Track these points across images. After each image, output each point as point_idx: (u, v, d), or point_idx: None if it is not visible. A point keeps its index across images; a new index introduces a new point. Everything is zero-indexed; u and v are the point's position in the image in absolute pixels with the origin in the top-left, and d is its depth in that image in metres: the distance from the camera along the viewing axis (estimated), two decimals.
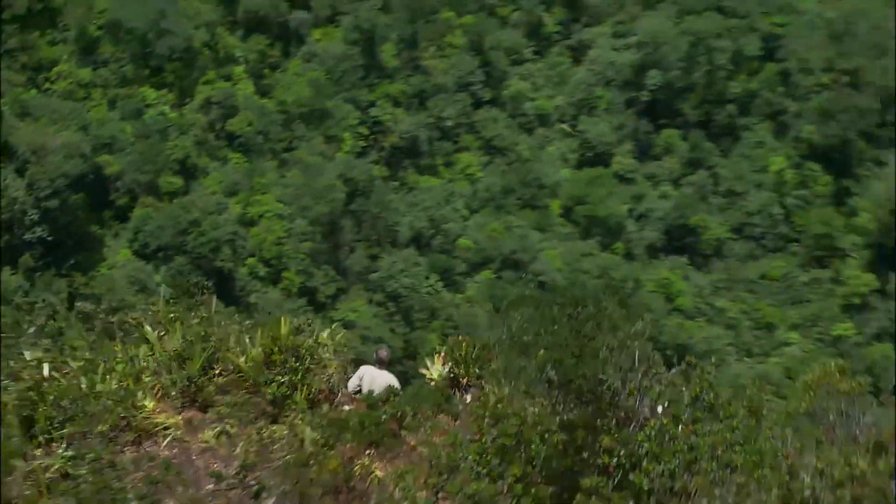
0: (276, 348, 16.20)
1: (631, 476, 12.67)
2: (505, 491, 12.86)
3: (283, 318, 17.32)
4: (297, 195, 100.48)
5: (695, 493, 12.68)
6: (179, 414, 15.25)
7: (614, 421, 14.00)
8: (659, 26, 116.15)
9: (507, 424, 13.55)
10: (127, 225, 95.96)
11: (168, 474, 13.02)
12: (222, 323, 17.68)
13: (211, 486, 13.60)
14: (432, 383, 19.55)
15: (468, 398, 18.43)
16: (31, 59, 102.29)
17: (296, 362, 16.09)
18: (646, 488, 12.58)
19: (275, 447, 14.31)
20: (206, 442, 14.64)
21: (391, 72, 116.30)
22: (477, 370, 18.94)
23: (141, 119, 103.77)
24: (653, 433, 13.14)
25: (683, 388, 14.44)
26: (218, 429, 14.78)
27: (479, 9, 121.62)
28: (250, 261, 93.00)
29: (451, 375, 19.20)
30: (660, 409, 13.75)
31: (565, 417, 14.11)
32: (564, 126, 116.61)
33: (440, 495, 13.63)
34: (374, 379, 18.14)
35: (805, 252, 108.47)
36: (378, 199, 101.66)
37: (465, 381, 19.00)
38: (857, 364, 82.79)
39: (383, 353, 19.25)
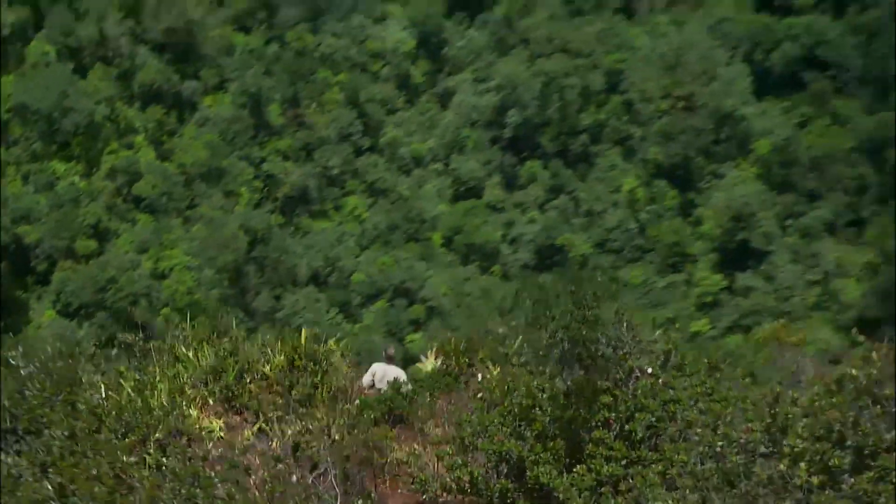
0: (298, 355, 18.17)
1: (627, 426, 14.31)
2: (527, 449, 14.39)
3: (302, 330, 19.76)
4: (202, 247, 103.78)
5: (682, 433, 14.22)
6: (220, 418, 17.12)
7: (611, 381, 15.44)
8: (514, 70, 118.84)
9: (526, 388, 15.14)
10: (49, 288, 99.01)
11: (232, 463, 14.54)
12: (245, 340, 19.40)
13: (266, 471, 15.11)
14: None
15: (479, 377, 19.50)
16: None
17: (315, 365, 18.11)
18: (640, 436, 14.30)
19: (306, 436, 15.91)
20: (248, 439, 16.38)
21: (278, 129, 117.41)
22: (467, 360, 20.51)
23: (53, 190, 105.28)
24: (641, 389, 14.83)
25: (659, 352, 16.22)
26: (256, 426, 16.74)
27: (353, 66, 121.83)
28: (165, 310, 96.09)
29: (445, 367, 20.64)
30: (649, 370, 15.34)
31: (570, 381, 15.68)
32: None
33: (470, 456, 15.22)
34: (386, 373, 20.09)
35: (660, 260, 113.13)
36: (277, 244, 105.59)
37: (456, 369, 20.40)
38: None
39: (391, 350, 21.76)
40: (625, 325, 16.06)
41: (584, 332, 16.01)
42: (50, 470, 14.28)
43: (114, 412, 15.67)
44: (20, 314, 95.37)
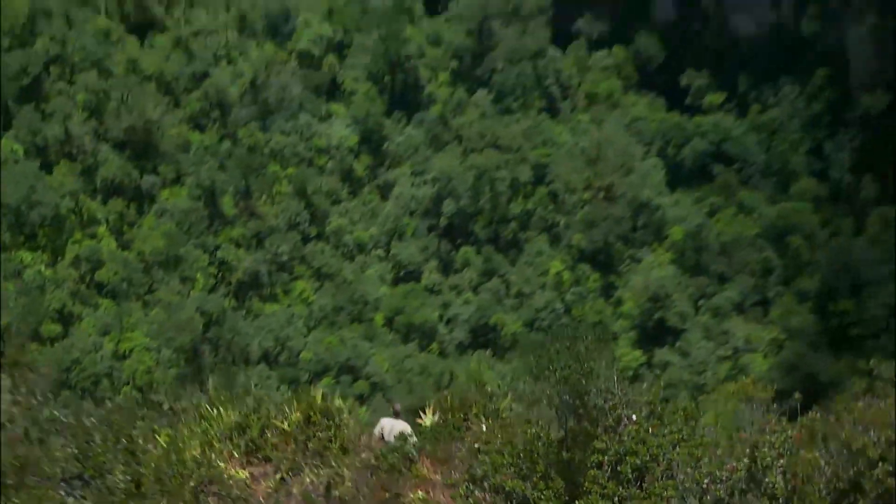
0: (313, 411, 19.01)
1: (619, 468, 14.94)
2: (531, 488, 15.15)
3: (318, 390, 20.80)
4: (161, 330, 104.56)
5: (665, 473, 15.05)
6: (246, 469, 18.03)
7: (602, 428, 16.15)
8: (448, 164, 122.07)
9: (529, 434, 16.07)
10: None
11: None
12: (263, 399, 20.40)
13: None
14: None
15: (484, 427, 20.36)
16: None
17: (328, 421, 18.94)
18: (630, 476, 14.94)
19: (326, 482, 17.15)
20: (270, 487, 17.49)
21: (232, 219, 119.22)
22: (462, 415, 21.35)
23: (21, 278, 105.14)
24: (629, 435, 15.47)
25: (641, 403, 16.55)
26: (279, 475, 17.67)
27: (300, 161, 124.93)
28: (125, 389, 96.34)
29: (442, 421, 21.43)
30: (633, 417, 15.82)
31: (566, 428, 16.54)
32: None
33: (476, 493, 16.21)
34: (393, 427, 20.75)
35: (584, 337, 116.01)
36: (230, 326, 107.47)
37: (453, 423, 21.15)
38: None
39: (397, 406, 22.50)
40: (614, 378, 16.93)
41: (582, 384, 16.70)
42: None
43: (152, 463, 16.60)
44: None
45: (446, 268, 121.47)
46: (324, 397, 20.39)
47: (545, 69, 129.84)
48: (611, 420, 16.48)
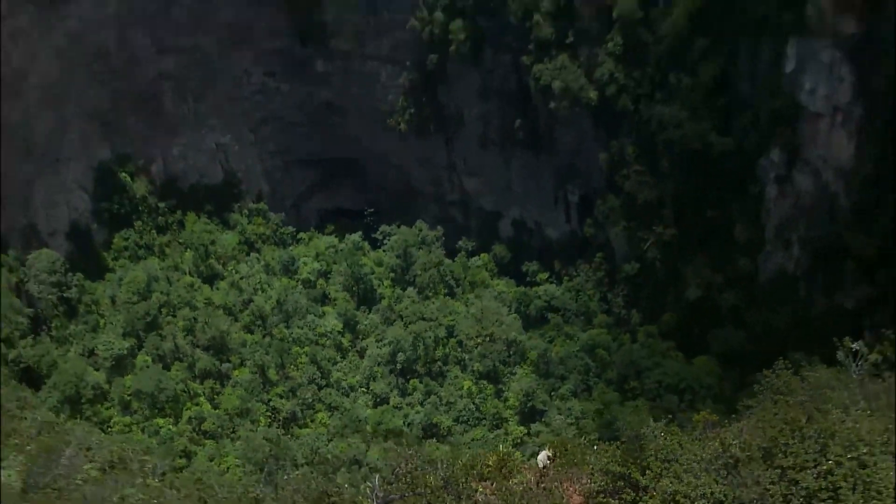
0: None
1: None
2: None
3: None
4: (244, 453, 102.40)
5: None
6: None
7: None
8: (397, 333, 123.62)
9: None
10: None
11: None
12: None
13: None
14: None
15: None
16: None
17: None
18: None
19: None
20: None
21: (276, 382, 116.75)
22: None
23: (158, 434, 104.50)
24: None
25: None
26: None
27: (310, 342, 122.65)
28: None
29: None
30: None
31: None
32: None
33: None
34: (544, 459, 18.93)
35: (489, 423, 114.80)
36: (284, 445, 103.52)
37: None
38: None
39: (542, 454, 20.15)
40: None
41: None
42: None
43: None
44: None
45: (403, 393, 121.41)
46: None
47: (444, 272, 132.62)
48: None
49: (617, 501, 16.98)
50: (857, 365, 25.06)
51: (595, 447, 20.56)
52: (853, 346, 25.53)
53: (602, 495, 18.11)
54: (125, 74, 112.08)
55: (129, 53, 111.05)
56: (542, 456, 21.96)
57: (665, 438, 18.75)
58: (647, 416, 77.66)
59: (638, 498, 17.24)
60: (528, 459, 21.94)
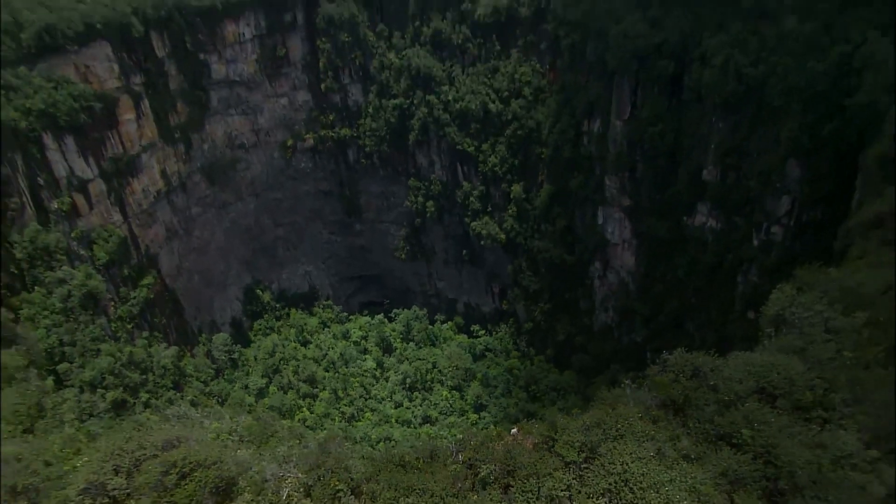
0: None
1: None
2: None
3: None
4: None
5: None
6: None
7: None
8: (406, 367, 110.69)
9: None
10: None
11: None
12: None
13: None
14: None
15: None
16: None
17: None
18: None
19: None
20: None
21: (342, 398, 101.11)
22: None
23: None
24: None
25: None
26: None
27: (360, 376, 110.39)
28: None
29: None
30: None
31: None
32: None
33: None
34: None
35: (457, 413, 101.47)
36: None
37: None
38: None
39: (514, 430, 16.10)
40: None
41: None
42: None
43: None
44: None
45: (410, 400, 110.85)
46: None
47: (429, 333, 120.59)
48: None
49: (540, 439, 18.20)
50: (629, 388, 24.49)
51: (529, 423, 20.89)
52: (628, 381, 24.77)
53: (537, 443, 19.14)
54: (258, 238, 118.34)
55: (260, 228, 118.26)
56: (514, 430, 22.33)
57: (557, 416, 20.94)
58: (545, 406, 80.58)
59: (553, 442, 19.54)
60: (508, 431, 22.17)
